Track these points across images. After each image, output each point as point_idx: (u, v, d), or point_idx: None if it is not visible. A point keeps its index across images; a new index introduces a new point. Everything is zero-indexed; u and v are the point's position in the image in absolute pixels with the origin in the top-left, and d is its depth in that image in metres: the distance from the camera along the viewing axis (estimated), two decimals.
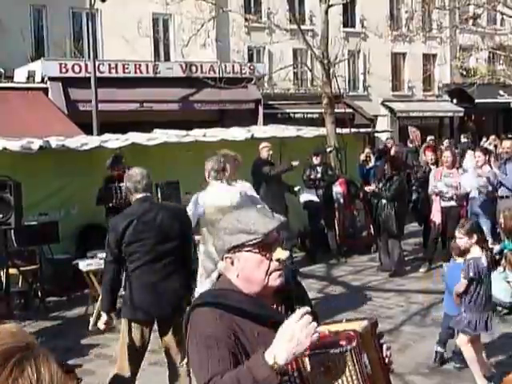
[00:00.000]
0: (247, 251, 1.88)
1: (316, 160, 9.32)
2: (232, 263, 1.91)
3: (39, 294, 7.41)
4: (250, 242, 1.86)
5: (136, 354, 4.10)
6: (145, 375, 4.96)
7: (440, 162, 8.93)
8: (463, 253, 4.71)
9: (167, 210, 4.24)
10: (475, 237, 4.54)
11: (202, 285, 5.06)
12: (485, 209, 8.25)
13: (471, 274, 4.48)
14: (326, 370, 1.71)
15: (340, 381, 1.71)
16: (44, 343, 6.00)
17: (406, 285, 7.92)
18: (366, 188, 9.15)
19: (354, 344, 1.71)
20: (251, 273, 1.89)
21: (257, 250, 1.87)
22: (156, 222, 4.05)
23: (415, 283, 7.97)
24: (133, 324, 4.08)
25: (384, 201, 8.32)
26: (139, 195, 4.13)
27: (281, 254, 1.88)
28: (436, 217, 8.43)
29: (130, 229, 3.97)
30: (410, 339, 5.82)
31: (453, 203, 8.30)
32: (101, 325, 4.19)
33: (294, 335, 1.64)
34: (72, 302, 7.56)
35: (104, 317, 4.16)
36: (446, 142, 17.17)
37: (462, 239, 4.59)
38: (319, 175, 9.25)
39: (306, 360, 1.72)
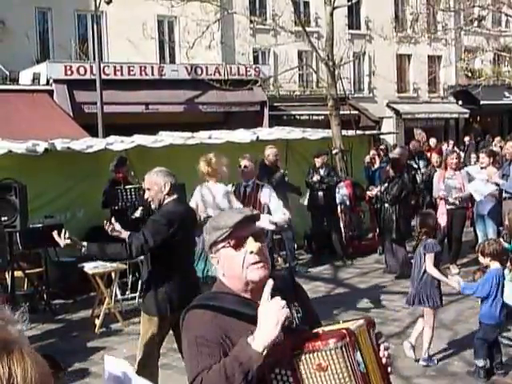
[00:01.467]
0: (222, 247, 1.92)
1: (318, 162, 9.28)
2: (217, 262, 1.96)
3: (45, 296, 7.40)
4: (221, 237, 1.90)
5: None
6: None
7: (443, 164, 8.92)
8: (499, 256, 4.83)
9: (191, 211, 4.55)
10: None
11: None
12: (490, 210, 8.21)
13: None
14: (318, 368, 1.71)
15: (332, 378, 1.70)
16: (49, 346, 5.99)
17: None
18: (369, 193, 9.12)
19: (345, 341, 1.70)
20: (230, 269, 1.92)
21: (228, 245, 1.90)
22: (190, 221, 4.28)
23: None
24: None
25: (386, 204, 8.33)
26: (175, 195, 4.19)
27: (252, 246, 1.87)
28: (441, 219, 8.41)
29: (181, 225, 4.05)
30: (416, 342, 5.78)
31: (457, 205, 8.31)
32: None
33: (269, 316, 1.72)
34: (78, 304, 7.55)
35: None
36: (451, 144, 17.16)
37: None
38: (320, 177, 9.20)
39: (301, 358, 1.72)
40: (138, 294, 7.54)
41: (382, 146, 11.49)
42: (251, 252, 1.88)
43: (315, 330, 1.81)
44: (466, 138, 19.62)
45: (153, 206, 4.19)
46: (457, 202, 8.27)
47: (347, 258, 9.43)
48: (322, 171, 9.26)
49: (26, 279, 7.31)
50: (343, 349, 1.70)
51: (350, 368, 1.70)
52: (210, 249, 1.97)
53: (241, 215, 1.91)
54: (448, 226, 8.46)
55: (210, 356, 1.80)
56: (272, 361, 1.73)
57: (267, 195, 6.34)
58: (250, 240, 1.88)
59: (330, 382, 1.70)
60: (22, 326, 1.04)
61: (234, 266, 1.90)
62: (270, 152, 8.76)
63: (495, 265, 4.77)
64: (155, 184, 4.11)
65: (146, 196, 4.18)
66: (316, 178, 9.16)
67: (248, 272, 1.88)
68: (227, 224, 1.89)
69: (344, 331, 1.74)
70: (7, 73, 16.57)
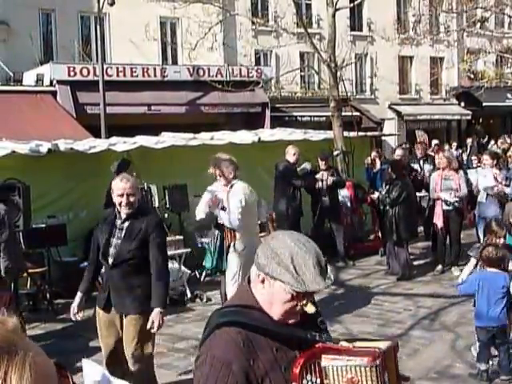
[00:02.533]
0: (284, 289, 1.81)
1: (323, 165, 9.29)
2: (262, 281, 1.85)
3: (47, 296, 7.43)
4: (291, 288, 1.79)
5: None
6: None
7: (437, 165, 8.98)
8: (494, 263, 4.74)
9: None
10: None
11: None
12: (492, 212, 8.22)
13: None
14: (348, 381, 1.73)
15: None
16: (52, 345, 6.02)
17: (414, 289, 7.88)
18: (372, 196, 9.15)
19: (379, 361, 1.74)
20: (276, 303, 1.84)
21: (292, 294, 1.80)
22: None
23: (423, 287, 7.94)
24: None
25: (387, 206, 8.37)
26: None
27: (310, 308, 1.84)
28: (438, 220, 8.48)
29: None
30: (418, 344, 5.79)
31: (454, 206, 8.37)
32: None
33: None
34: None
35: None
36: (453, 146, 17.16)
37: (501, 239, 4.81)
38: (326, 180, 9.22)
39: (330, 368, 1.75)
40: None
41: (374, 154, 11.38)
42: (302, 307, 1.83)
43: (345, 344, 1.80)
44: (469, 140, 19.60)
45: (130, 211, 4.13)
46: (452, 201, 8.31)
47: (349, 259, 9.44)
48: (326, 174, 9.24)
49: (29, 279, 7.34)
50: (377, 368, 1.74)
51: None
52: (266, 273, 1.81)
53: (324, 285, 1.80)
54: (445, 228, 8.50)
55: None
56: (304, 367, 1.74)
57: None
58: (309, 303, 1.84)
59: None
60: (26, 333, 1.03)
61: (280, 306, 1.83)
62: (290, 152, 8.83)
63: (490, 269, 4.72)
64: (137, 189, 4.33)
65: (132, 200, 4.12)
66: (319, 184, 9.16)
67: (287, 317, 1.85)
68: (308, 286, 1.77)
69: (378, 351, 1.78)
70: (11, 74, 16.63)
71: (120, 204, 4.12)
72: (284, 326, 1.85)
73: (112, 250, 4.20)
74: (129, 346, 4.16)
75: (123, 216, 4.18)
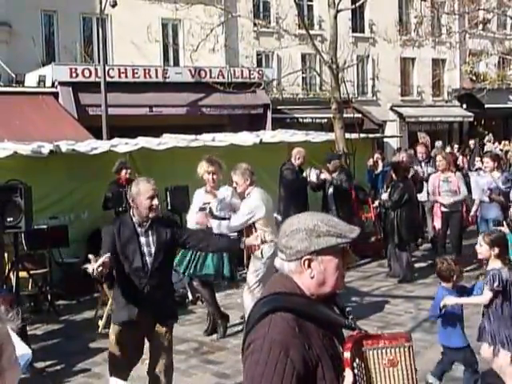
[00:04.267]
0: (330, 254, 1.90)
1: (331, 167, 9.24)
2: (309, 265, 1.89)
3: (49, 297, 7.44)
4: (340, 246, 1.89)
5: None
6: None
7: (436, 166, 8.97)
8: (449, 277, 4.51)
9: None
10: (496, 250, 4.28)
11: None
12: (494, 215, 8.21)
13: (495, 285, 4.17)
14: (389, 363, 1.83)
15: (400, 374, 1.84)
16: (53, 346, 6.03)
17: (415, 291, 7.87)
18: (376, 202, 9.16)
19: (412, 342, 1.88)
20: (329, 276, 1.90)
21: (339, 255, 1.90)
22: None
23: (424, 289, 7.92)
24: None
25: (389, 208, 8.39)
26: None
27: (350, 259, 1.96)
28: (437, 222, 8.48)
29: None
30: (419, 346, 5.76)
31: (453, 208, 8.38)
32: None
33: None
34: (81, 305, 7.59)
35: None
36: (455, 148, 17.14)
37: (482, 247, 4.35)
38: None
39: (371, 352, 1.83)
40: None
41: (377, 155, 11.33)
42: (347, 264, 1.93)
43: (373, 333, 1.90)
44: (471, 142, 19.58)
45: (155, 214, 3.92)
46: (453, 207, 8.31)
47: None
48: (335, 175, 9.21)
49: (31, 280, 7.35)
50: (411, 348, 1.87)
51: (413, 366, 1.86)
52: (311, 253, 1.87)
53: (358, 230, 1.93)
54: (444, 230, 8.48)
55: (285, 379, 1.72)
56: (353, 351, 1.81)
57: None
58: (350, 253, 1.95)
59: (398, 377, 1.83)
60: (14, 326, 1.04)
61: (333, 275, 1.90)
62: (295, 154, 8.85)
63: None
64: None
65: (158, 202, 3.92)
66: (331, 190, 9.11)
67: (339, 282, 1.93)
68: (349, 235, 1.89)
69: (408, 334, 1.94)
70: (13, 75, 16.65)
71: (150, 208, 3.82)
72: (330, 312, 1.91)
73: (148, 259, 3.90)
74: (164, 355, 3.99)
75: (147, 221, 3.90)
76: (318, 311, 1.88)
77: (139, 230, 3.92)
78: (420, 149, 10.50)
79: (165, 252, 3.96)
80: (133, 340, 3.97)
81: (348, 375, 1.76)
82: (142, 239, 3.92)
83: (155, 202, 3.86)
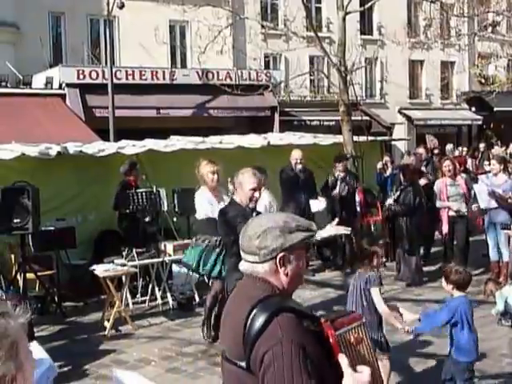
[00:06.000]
0: (301, 249, 1.96)
1: (339, 167, 9.19)
2: (283, 263, 1.90)
3: (56, 299, 7.43)
4: (307, 240, 1.95)
5: None
6: (162, 382, 4.95)
7: (440, 172, 8.88)
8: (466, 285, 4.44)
9: None
10: None
11: None
12: (502, 218, 8.13)
13: None
14: (356, 341, 1.91)
15: (366, 349, 1.94)
16: (60, 348, 6.01)
17: (423, 295, 7.80)
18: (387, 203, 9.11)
19: (363, 319, 2.01)
20: (299, 270, 1.95)
21: (304, 248, 1.97)
22: None
23: (433, 293, 7.83)
24: None
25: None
26: None
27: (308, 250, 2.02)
28: (444, 227, 8.42)
29: None
30: (428, 350, 5.72)
31: (460, 213, 8.30)
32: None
33: None
34: (88, 307, 7.57)
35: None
36: (464, 151, 17.01)
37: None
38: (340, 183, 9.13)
39: (342, 335, 1.89)
40: (148, 297, 7.55)
41: (387, 158, 11.27)
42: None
43: (333, 317, 1.94)
44: (481, 145, 19.45)
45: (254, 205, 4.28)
46: (461, 212, 8.23)
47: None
48: (342, 175, 9.15)
49: (38, 281, 7.35)
50: (365, 326, 2.00)
51: (370, 342, 1.99)
52: (285, 250, 1.90)
53: (313, 223, 2.02)
54: (450, 235, 8.41)
55: (311, 376, 1.72)
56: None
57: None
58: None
59: (364, 353, 1.92)
60: (24, 320, 1.03)
61: (302, 268, 1.96)
62: (292, 158, 8.80)
63: (458, 293, 4.36)
64: None
65: (257, 195, 4.33)
66: (335, 192, 9.06)
67: (303, 278, 2.02)
68: (312, 228, 1.98)
69: (357, 314, 2.15)
70: (20, 77, 16.72)
71: (251, 198, 4.16)
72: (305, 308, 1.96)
73: None
74: None
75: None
76: (302, 308, 1.92)
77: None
78: (419, 150, 10.65)
79: None
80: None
81: (342, 359, 1.78)
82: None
83: (257, 193, 4.24)
